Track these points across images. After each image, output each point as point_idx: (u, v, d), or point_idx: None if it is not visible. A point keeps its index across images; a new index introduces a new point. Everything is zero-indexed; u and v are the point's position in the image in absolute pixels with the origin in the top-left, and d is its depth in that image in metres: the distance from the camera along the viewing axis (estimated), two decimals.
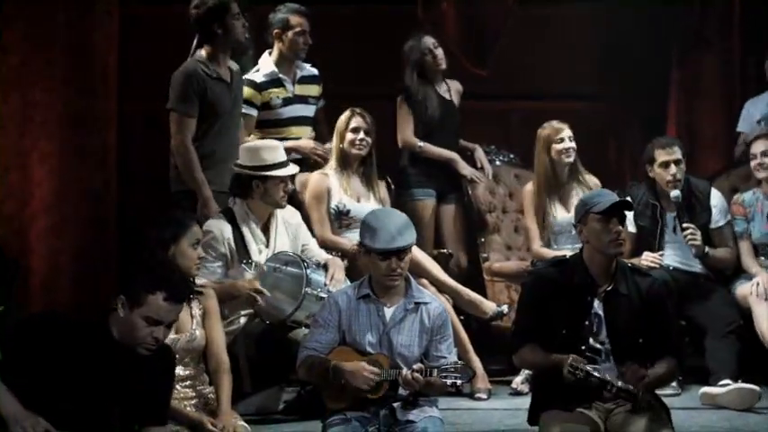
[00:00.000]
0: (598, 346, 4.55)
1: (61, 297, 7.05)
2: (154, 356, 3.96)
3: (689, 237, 6.01)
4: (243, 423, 4.48)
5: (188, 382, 4.52)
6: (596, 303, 4.58)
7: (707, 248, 6.07)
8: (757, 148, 6.26)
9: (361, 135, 6.07)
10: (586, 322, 4.55)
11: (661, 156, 6.13)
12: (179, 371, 4.44)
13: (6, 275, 4.53)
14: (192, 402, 4.49)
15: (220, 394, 4.49)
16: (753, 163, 6.27)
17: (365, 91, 7.02)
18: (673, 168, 6.10)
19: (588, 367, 4.34)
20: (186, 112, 5.76)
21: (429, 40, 6.67)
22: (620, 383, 4.33)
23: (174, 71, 5.95)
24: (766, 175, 6.21)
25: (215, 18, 5.81)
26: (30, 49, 7.16)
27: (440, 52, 6.67)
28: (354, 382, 4.44)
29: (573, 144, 6.33)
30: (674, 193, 6.08)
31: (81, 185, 7.30)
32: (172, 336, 4.45)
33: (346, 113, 6.14)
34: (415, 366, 4.45)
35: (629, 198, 4.70)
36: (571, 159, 6.34)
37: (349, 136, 6.08)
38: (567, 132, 6.34)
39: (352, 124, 6.08)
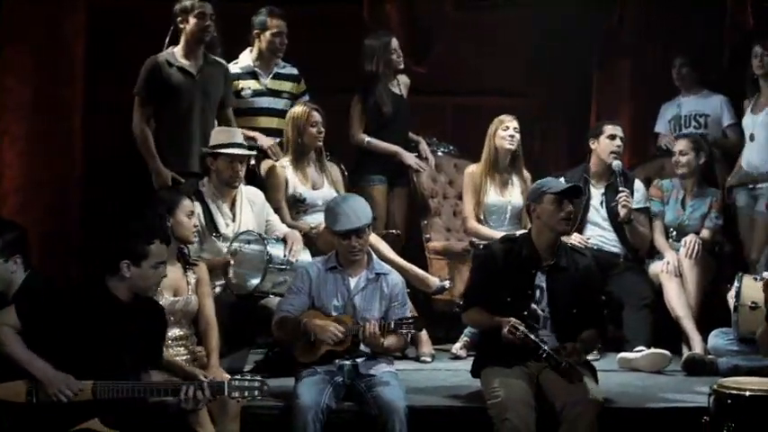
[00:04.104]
0: (539, 313, 5.17)
1: None
2: (149, 314, 4.55)
3: (623, 199, 6.48)
4: (228, 376, 4.85)
5: (181, 342, 5.04)
6: (539, 276, 5.19)
7: (633, 215, 6.56)
8: (678, 146, 6.83)
9: (321, 128, 6.55)
10: (529, 291, 5.17)
11: (609, 130, 6.75)
12: (175, 331, 5.01)
13: (24, 243, 4.95)
14: (185, 358, 4.99)
15: (210, 351, 5.01)
16: (673, 159, 6.81)
17: (324, 84, 7.38)
18: (617, 141, 6.71)
19: (526, 330, 4.94)
20: (144, 97, 6.30)
21: (395, 41, 7.11)
22: (547, 348, 4.91)
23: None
24: (683, 171, 6.76)
25: (181, 14, 6.33)
26: (3, 38, 7.41)
27: (400, 52, 7.14)
28: (321, 336, 5.06)
29: (517, 135, 6.83)
30: (616, 162, 6.66)
31: (48, 168, 7.55)
32: (171, 298, 5.02)
33: (301, 109, 6.55)
34: (372, 321, 5.08)
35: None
36: (512, 147, 6.82)
37: (311, 130, 6.52)
38: (513, 123, 6.85)
39: (312, 119, 6.52)
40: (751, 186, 6.83)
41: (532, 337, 4.95)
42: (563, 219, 5.17)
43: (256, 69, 6.85)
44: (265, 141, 6.78)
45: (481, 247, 6.23)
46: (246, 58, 6.88)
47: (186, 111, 6.35)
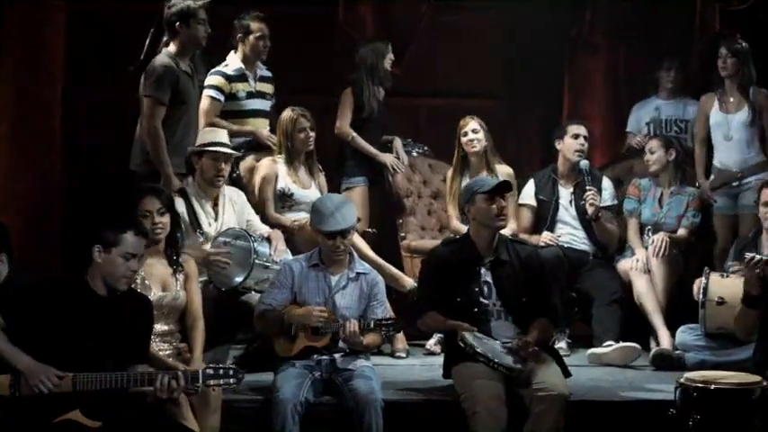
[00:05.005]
0: (490, 307, 5.34)
1: None
2: (136, 306, 4.63)
3: (590, 197, 6.61)
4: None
5: (166, 338, 5.13)
6: (484, 272, 5.37)
7: (601, 213, 6.68)
8: (648, 146, 6.95)
9: (310, 134, 6.69)
10: (476, 288, 5.34)
11: (573, 129, 6.88)
12: (161, 326, 5.08)
13: (7, 240, 5.05)
14: (168, 354, 5.09)
15: (194, 346, 5.11)
16: (645, 158, 6.93)
17: (297, 85, 7.54)
18: (581, 140, 6.84)
19: (474, 342, 5.09)
20: (159, 100, 6.19)
21: (390, 49, 7.31)
22: (497, 361, 5.04)
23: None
24: (655, 168, 6.86)
25: (182, 19, 6.27)
26: None
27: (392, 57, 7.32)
28: (307, 322, 5.22)
29: (477, 136, 6.86)
30: (584, 161, 6.79)
31: (30, 166, 7.69)
32: (160, 293, 5.13)
33: (290, 115, 6.68)
34: (352, 320, 5.22)
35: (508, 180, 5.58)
36: (476, 149, 6.87)
37: (299, 136, 6.67)
38: (470, 126, 6.90)
39: (300, 125, 6.67)
40: (735, 184, 6.90)
41: (479, 350, 5.09)
42: (497, 215, 5.35)
43: (246, 72, 6.91)
44: (262, 132, 6.91)
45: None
46: (236, 61, 6.92)
47: (191, 113, 6.42)
